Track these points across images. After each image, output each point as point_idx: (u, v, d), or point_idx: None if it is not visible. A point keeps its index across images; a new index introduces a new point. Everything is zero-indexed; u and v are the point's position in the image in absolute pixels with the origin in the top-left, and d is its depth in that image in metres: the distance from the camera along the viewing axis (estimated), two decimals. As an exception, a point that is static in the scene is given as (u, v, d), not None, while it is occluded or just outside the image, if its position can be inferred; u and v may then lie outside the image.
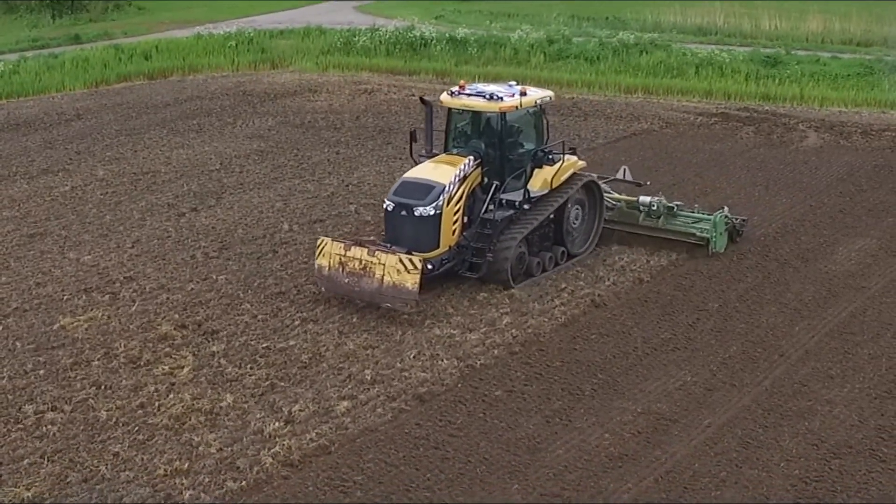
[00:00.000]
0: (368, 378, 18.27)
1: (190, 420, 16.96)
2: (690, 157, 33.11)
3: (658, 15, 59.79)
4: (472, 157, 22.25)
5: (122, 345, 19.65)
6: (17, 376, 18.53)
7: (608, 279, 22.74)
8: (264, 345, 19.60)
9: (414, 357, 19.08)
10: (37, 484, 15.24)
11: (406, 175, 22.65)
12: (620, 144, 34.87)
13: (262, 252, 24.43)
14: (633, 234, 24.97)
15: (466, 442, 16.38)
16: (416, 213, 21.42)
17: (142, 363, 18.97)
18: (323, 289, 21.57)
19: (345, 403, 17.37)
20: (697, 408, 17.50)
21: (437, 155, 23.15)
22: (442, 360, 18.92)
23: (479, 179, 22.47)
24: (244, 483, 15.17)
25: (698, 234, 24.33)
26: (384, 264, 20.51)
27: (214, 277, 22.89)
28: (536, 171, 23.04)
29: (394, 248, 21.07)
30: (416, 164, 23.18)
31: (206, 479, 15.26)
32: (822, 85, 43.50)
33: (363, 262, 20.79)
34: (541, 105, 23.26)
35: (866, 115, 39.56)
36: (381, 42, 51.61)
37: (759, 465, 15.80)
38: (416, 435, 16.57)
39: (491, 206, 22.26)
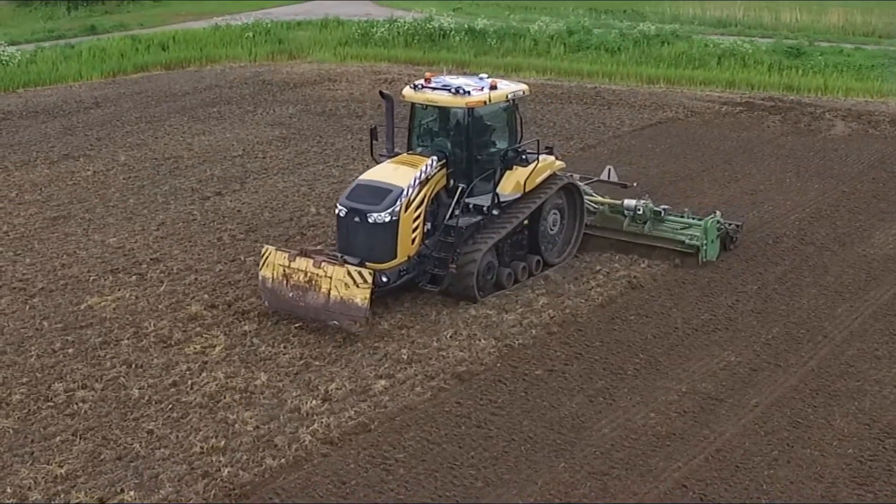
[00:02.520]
0: (405, 357, 17.87)
1: (224, 398, 16.58)
2: (718, 145, 32.64)
3: (677, 8, 59.31)
4: (435, 158, 20.23)
5: (152, 324, 19.29)
6: (45, 355, 18.18)
7: (643, 261, 22.26)
8: (297, 324, 19.17)
9: (450, 337, 18.68)
10: (69, 461, 14.87)
11: (361, 177, 20.70)
12: (646, 132, 34.41)
13: (289, 234, 24.04)
14: (617, 241, 22.99)
15: (509, 420, 15.96)
16: (370, 220, 19.33)
17: (172, 342, 18.60)
18: (266, 303, 19.73)
19: (382, 382, 16.98)
20: (743, 388, 17.06)
21: (399, 154, 21.21)
22: (479, 340, 18.52)
23: (443, 182, 20.49)
24: (283, 461, 14.77)
25: (687, 241, 22.30)
26: (331, 277, 18.67)
27: (243, 259, 22.51)
28: (508, 172, 20.99)
29: (345, 258, 19.16)
30: (378, 164, 21.21)
31: (244, 457, 14.87)
32: (846, 76, 42.93)
33: (308, 274, 18.95)
34: (513, 100, 21.22)
35: (893, 104, 38.99)
36: (399, 33, 51.22)
37: (812, 444, 15.36)
38: (458, 413, 16.16)
39: (457, 212, 20.27)
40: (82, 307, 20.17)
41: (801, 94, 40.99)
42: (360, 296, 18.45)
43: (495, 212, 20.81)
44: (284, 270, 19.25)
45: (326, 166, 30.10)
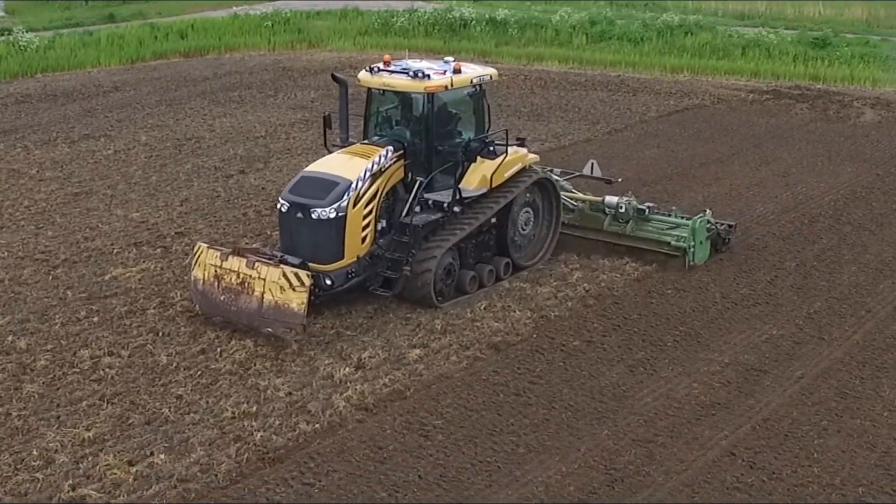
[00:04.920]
0: (439, 328, 17.46)
1: (255, 365, 16.18)
2: (747, 131, 32.14)
3: (698, 3, 58.78)
4: (391, 148, 18.32)
5: (178, 294, 18.90)
6: (69, 323, 17.80)
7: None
8: (326, 295, 18.73)
9: (484, 308, 18.25)
10: (97, 425, 14.47)
11: (307, 169, 18.83)
12: (673, 118, 33.92)
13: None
14: (597, 242, 21.21)
15: (548, 389, 15.52)
16: (313, 216, 17.48)
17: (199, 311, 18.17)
18: (198, 306, 17.92)
19: (416, 351, 16.56)
20: (787, 360, 16.60)
21: (354, 144, 19.34)
22: (514, 312, 18.09)
23: (400, 175, 18.60)
24: (317, 426, 14.35)
25: (673, 242, 20.50)
26: (265, 279, 16.78)
27: (269, 233, 22.11)
28: (472, 166, 19.01)
29: (285, 258, 17.42)
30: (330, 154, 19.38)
31: (277, 422, 14.45)
32: (872, 66, 42.35)
33: (241, 275, 17.05)
34: (479, 85, 19.21)
35: (923, 94, 38.48)
36: (419, 23, 50.80)
37: (861, 414, 14.91)
38: (495, 382, 15.73)
39: (416, 209, 18.55)
40: (106, 278, 19.79)
41: (828, 83, 40.43)
42: (297, 300, 16.52)
43: (457, 209, 18.86)
44: (216, 271, 17.42)
45: (350, 147, 29.64)
